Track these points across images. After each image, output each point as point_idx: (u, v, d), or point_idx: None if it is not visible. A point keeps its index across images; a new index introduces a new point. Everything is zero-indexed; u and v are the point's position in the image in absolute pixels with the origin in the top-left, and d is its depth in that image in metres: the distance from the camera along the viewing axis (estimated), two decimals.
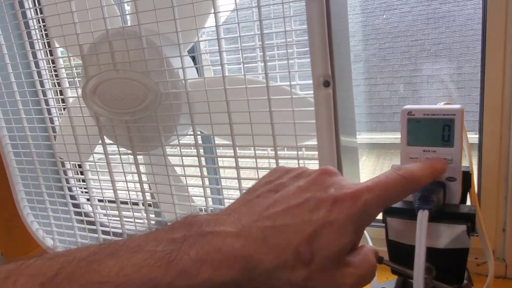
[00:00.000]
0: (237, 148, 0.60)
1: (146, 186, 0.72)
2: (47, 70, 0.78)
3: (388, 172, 0.28)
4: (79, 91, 0.68)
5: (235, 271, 0.23)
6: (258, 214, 0.25)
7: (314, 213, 0.24)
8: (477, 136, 0.61)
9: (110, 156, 0.71)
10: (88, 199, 0.84)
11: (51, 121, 0.78)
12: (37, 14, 0.75)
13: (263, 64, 0.54)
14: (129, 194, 0.73)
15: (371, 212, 0.26)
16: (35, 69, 0.74)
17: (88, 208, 0.86)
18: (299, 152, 0.58)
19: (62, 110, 0.79)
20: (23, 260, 0.23)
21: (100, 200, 0.80)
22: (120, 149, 0.71)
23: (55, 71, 0.76)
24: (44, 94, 0.77)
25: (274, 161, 0.58)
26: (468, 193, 0.44)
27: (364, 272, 0.27)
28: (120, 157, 0.70)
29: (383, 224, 0.44)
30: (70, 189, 0.80)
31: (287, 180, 0.27)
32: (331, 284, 0.24)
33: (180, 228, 0.24)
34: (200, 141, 0.70)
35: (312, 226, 0.24)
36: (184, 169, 0.67)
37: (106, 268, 0.22)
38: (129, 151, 0.69)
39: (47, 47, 0.75)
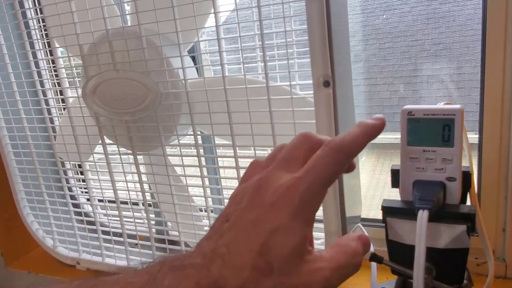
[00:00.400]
0: (237, 148, 0.60)
1: (146, 186, 0.72)
2: (47, 70, 0.78)
3: (318, 151, 0.27)
4: (79, 91, 0.68)
5: None
6: (214, 243, 0.26)
7: (257, 226, 0.25)
8: (477, 136, 0.61)
9: (110, 156, 0.71)
10: (88, 199, 0.84)
11: (51, 121, 0.78)
12: (37, 14, 0.75)
13: (263, 64, 0.54)
14: (129, 194, 0.73)
15: (312, 199, 0.26)
16: (35, 69, 0.74)
17: (88, 208, 0.86)
18: None
19: (62, 110, 0.79)
20: None
21: (100, 200, 0.80)
22: (120, 149, 0.71)
23: (55, 71, 0.76)
24: (44, 94, 0.77)
25: None
26: (468, 193, 0.44)
27: (340, 263, 0.27)
28: (120, 157, 0.70)
29: (383, 224, 0.44)
30: (70, 189, 0.80)
31: (234, 207, 0.28)
32: (303, 285, 0.25)
33: (155, 265, 0.26)
34: (200, 141, 0.70)
35: (260, 238, 0.25)
36: (184, 169, 0.67)
37: None
38: (129, 151, 0.69)
39: (47, 47, 0.75)
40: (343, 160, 0.27)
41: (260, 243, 0.25)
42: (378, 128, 0.28)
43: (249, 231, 0.25)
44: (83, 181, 0.81)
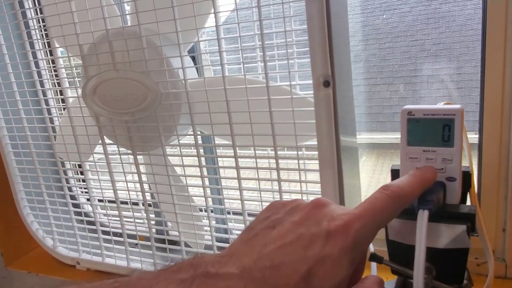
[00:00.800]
0: (237, 148, 0.60)
1: (146, 186, 0.72)
2: (47, 70, 0.78)
3: (376, 194, 0.28)
4: (79, 91, 0.68)
5: None
6: (257, 253, 0.25)
7: (308, 249, 0.25)
8: (477, 136, 0.61)
9: (110, 156, 0.71)
10: (88, 199, 0.84)
11: (51, 121, 0.78)
12: (37, 14, 0.75)
13: (263, 64, 0.54)
14: (129, 194, 0.73)
15: (364, 240, 0.26)
16: (35, 69, 0.74)
17: (88, 208, 0.86)
18: (299, 152, 0.58)
19: (62, 110, 0.79)
20: None
21: (100, 200, 0.80)
22: (120, 149, 0.71)
23: (55, 71, 0.76)
24: (44, 94, 0.77)
25: (274, 161, 0.58)
26: (468, 193, 0.44)
27: None
28: (120, 157, 0.70)
29: None
30: (70, 189, 0.80)
31: (282, 215, 0.28)
32: None
33: (187, 269, 0.25)
34: (200, 141, 0.70)
35: (307, 263, 0.24)
36: (184, 169, 0.67)
37: None
38: (129, 151, 0.69)
39: (47, 47, 0.75)
40: (400, 207, 0.28)
41: (307, 267, 0.24)
42: (432, 181, 0.30)
43: (298, 250, 0.25)
44: (83, 181, 0.81)
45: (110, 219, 0.78)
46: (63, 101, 0.77)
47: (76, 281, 0.25)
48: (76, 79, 0.71)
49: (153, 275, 0.25)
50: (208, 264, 0.25)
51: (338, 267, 0.25)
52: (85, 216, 0.80)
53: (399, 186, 0.29)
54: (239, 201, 0.63)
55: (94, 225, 0.78)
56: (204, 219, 0.71)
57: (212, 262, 0.25)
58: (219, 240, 0.69)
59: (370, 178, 0.81)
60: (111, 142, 0.71)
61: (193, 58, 0.66)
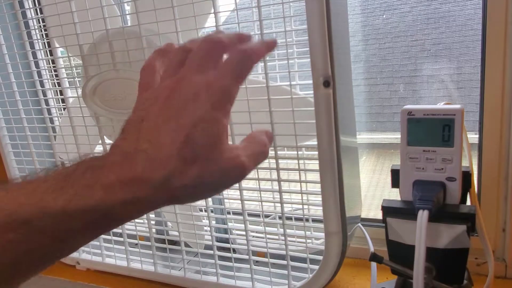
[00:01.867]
0: None
1: None
2: (47, 70, 0.78)
3: (230, 53, 0.29)
4: (79, 91, 0.68)
5: (127, 192, 0.25)
6: (135, 141, 0.27)
7: (180, 119, 0.26)
8: (477, 136, 0.61)
9: None
10: None
11: (51, 121, 0.77)
12: (37, 14, 0.75)
13: (263, 64, 0.54)
14: None
15: (230, 91, 0.28)
16: (35, 69, 0.74)
17: None
18: (299, 152, 0.58)
19: (62, 110, 0.79)
20: None
21: None
22: None
23: (55, 71, 0.76)
24: (44, 94, 0.77)
25: (274, 161, 0.58)
26: (468, 193, 0.44)
27: (253, 151, 0.29)
28: None
29: (383, 224, 0.45)
30: None
31: (147, 109, 0.29)
32: (224, 169, 0.27)
33: (71, 166, 0.27)
34: None
35: (183, 130, 0.26)
36: None
37: None
38: None
39: (47, 47, 0.75)
40: (252, 61, 0.29)
41: (184, 135, 0.26)
42: (274, 45, 0.31)
43: (171, 125, 0.26)
44: None
45: None
46: (63, 101, 0.77)
47: None
48: (76, 79, 0.71)
49: (43, 177, 0.27)
50: (93, 159, 0.27)
51: (213, 123, 0.26)
52: None
53: (247, 45, 0.30)
54: (239, 201, 0.63)
55: None
56: (204, 219, 0.71)
57: (96, 157, 0.27)
58: (219, 240, 0.69)
59: (370, 178, 0.81)
60: (111, 142, 0.71)
61: None
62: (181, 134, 0.26)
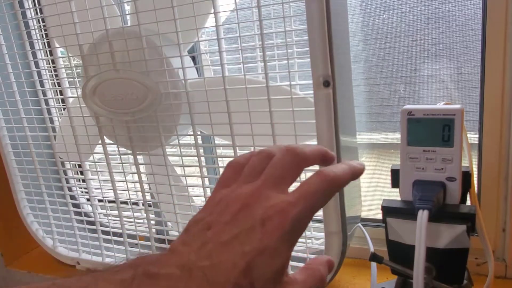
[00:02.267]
0: (237, 148, 0.60)
1: (146, 186, 0.72)
2: (47, 70, 0.78)
3: (309, 179, 0.28)
4: (79, 91, 0.68)
5: None
6: (195, 253, 0.26)
7: (245, 245, 0.25)
8: (477, 136, 0.61)
9: (110, 156, 0.71)
10: (88, 199, 0.84)
11: (51, 121, 0.78)
12: (37, 14, 0.75)
13: (263, 64, 0.54)
14: (129, 194, 0.73)
15: (301, 225, 0.27)
16: (35, 69, 0.74)
17: (88, 208, 0.86)
18: None
19: (62, 110, 0.79)
20: None
21: (100, 200, 0.80)
22: (120, 149, 0.71)
23: (55, 71, 0.76)
24: (44, 94, 0.77)
25: None
26: (468, 193, 0.44)
27: (310, 287, 0.28)
28: (120, 157, 0.70)
29: (383, 224, 0.44)
30: (70, 189, 0.80)
31: (216, 215, 0.28)
32: None
33: (128, 269, 0.25)
34: (200, 141, 0.70)
35: (246, 257, 0.25)
36: (184, 169, 0.67)
37: None
38: (129, 151, 0.69)
39: (47, 47, 0.75)
40: (334, 192, 0.28)
41: (245, 262, 0.24)
42: (361, 172, 0.30)
43: (235, 248, 0.25)
44: (83, 181, 0.81)
45: (110, 219, 0.78)
46: (63, 101, 0.77)
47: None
48: (76, 79, 0.71)
49: (91, 277, 0.25)
50: (149, 264, 0.25)
51: (277, 256, 0.25)
52: (85, 216, 0.80)
53: (333, 170, 0.29)
54: None
55: (94, 225, 0.78)
56: None
57: (153, 261, 0.25)
58: None
59: (370, 178, 0.81)
60: (111, 142, 0.71)
61: (193, 58, 0.66)
62: (243, 260, 0.25)
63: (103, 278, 0.25)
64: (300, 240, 0.64)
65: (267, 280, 0.25)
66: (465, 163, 0.44)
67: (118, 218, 0.75)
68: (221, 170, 0.79)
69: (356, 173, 0.30)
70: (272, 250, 0.25)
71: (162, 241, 0.73)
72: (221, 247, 0.25)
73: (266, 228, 0.25)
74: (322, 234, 0.58)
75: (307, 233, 0.64)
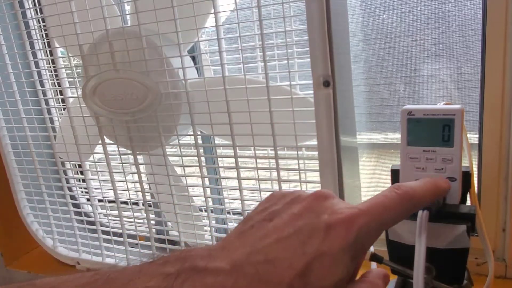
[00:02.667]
0: (237, 148, 0.60)
1: (146, 186, 0.72)
2: (47, 70, 0.78)
3: (386, 192, 0.26)
4: (79, 91, 0.68)
5: None
6: (251, 247, 0.24)
7: (306, 244, 0.23)
8: (477, 136, 0.61)
9: (110, 156, 0.71)
10: (88, 199, 0.84)
11: (51, 121, 0.77)
12: (37, 14, 0.75)
13: (263, 64, 0.54)
14: (129, 194, 0.73)
15: (367, 238, 0.25)
16: (35, 69, 0.74)
17: (88, 208, 0.86)
18: (299, 152, 0.58)
19: (62, 110, 0.79)
20: (13, 286, 0.22)
21: (100, 200, 0.80)
22: (120, 149, 0.71)
23: (55, 71, 0.76)
24: (44, 94, 0.77)
25: (274, 161, 0.58)
26: (468, 193, 0.44)
27: None
28: (120, 157, 0.70)
29: None
30: (70, 189, 0.80)
31: (281, 206, 0.26)
32: None
33: (174, 262, 0.23)
34: (200, 141, 0.70)
35: (305, 259, 0.23)
36: (184, 169, 0.67)
37: None
38: (129, 151, 0.69)
39: (47, 47, 0.75)
40: (410, 210, 0.26)
41: (304, 263, 0.22)
42: (445, 191, 0.29)
43: (295, 245, 0.23)
44: (83, 181, 0.81)
45: (110, 219, 0.78)
46: (63, 101, 0.77)
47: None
48: (76, 79, 0.71)
49: (136, 268, 0.23)
50: (197, 257, 0.23)
51: (337, 265, 0.23)
52: (85, 216, 0.80)
53: (412, 187, 0.27)
54: (239, 201, 0.63)
55: (94, 225, 0.78)
56: (204, 219, 0.71)
57: (201, 255, 0.24)
58: (219, 240, 0.69)
59: (370, 178, 0.81)
60: (111, 142, 0.71)
61: (193, 58, 0.66)
62: (301, 261, 0.22)
63: (146, 271, 0.23)
64: None
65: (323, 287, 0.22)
66: (465, 163, 0.44)
67: (118, 218, 0.75)
68: (221, 170, 0.79)
69: (439, 193, 0.28)
70: (333, 257, 0.23)
71: (162, 241, 0.73)
72: (279, 242, 0.23)
73: (330, 231, 0.23)
74: None
75: None
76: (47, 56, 0.76)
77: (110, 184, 0.73)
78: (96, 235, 0.78)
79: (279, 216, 0.25)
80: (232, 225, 0.72)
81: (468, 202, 0.45)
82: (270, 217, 0.25)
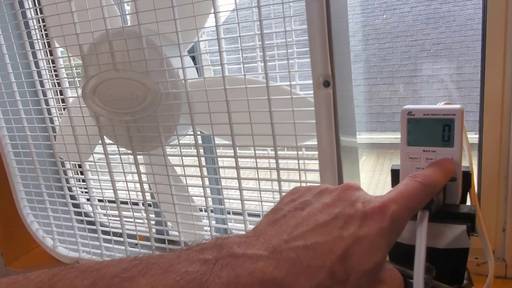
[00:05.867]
0: (237, 148, 0.60)
1: (146, 186, 0.72)
2: (47, 70, 0.78)
3: (406, 181, 0.28)
4: (79, 91, 0.68)
5: None
6: (288, 233, 0.24)
7: (344, 229, 0.24)
8: (477, 136, 0.61)
9: (110, 156, 0.71)
10: (88, 199, 0.84)
11: (51, 121, 0.77)
12: (37, 14, 0.75)
13: (263, 64, 0.54)
14: (129, 194, 0.73)
15: (400, 223, 0.26)
16: (35, 69, 0.74)
17: (88, 208, 0.86)
18: (299, 152, 0.58)
19: (62, 110, 0.79)
20: (54, 271, 0.22)
21: (100, 200, 0.80)
22: (120, 149, 0.71)
23: (55, 71, 0.76)
24: (44, 94, 0.77)
25: (274, 161, 0.58)
26: (468, 193, 0.44)
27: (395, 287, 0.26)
28: (120, 157, 0.70)
29: None
30: (70, 189, 0.80)
31: (311, 197, 0.27)
32: None
33: (211, 249, 0.24)
34: (200, 141, 0.70)
35: (344, 243, 0.23)
36: (184, 169, 0.67)
37: (138, 287, 0.21)
38: (129, 151, 0.69)
39: (47, 47, 0.75)
40: (430, 195, 0.28)
41: (343, 248, 0.23)
42: (453, 171, 0.30)
43: (333, 230, 0.23)
44: (83, 181, 0.81)
45: (110, 219, 0.78)
46: (63, 101, 0.77)
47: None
48: (76, 79, 0.71)
49: (175, 255, 0.24)
50: (234, 244, 0.23)
51: (375, 249, 0.24)
52: (85, 216, 0.80)
53: (428, 174, 0.29)
54: (239, 201, 0.63)
55: (94, 225, 0.78)
56: (204, 219, 0.71)
57: (238, 243, 0.24)
58: None
59: (370, 178, 0.81)
60: (111, 142, 0.71)
61: (193, 58, 0.66)
62: (340, 246, 0.23)
63: (185, 257, 0.23)
64: None
65: (364, 272, 0.23)
66: (465, 163, 0.44)
67: (118, 218, 0.75)
68: (221, 170, 0.79)
69: (448, 172, 0.30)
70: (371, 241, 0.24)
71: (162, 241, 0.73)
72: (317, 228, 0.24)
73: (367, 218, 0.24)
74: None
75: None
76: (47, 56, 0.76)
77: (110, 184, 0.73)
78: (96, 235, 0.78)
79: (311, 205, 0.26)
80: (232, 225, 0.72)
81: (468, 202, 0.45)
82: (301, 206, 0.26)
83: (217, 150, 0.68)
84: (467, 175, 0.43)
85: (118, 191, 0.73)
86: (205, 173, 0.69)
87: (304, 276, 0.22)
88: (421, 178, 0.28)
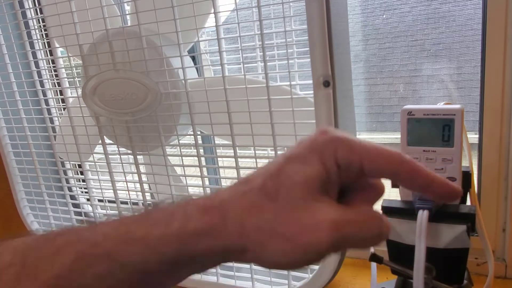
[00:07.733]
0: (237, 148, 0.60)
1: (146, 186, 0.72)
2: (47, 70, 0.78)
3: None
4: (79, 91, 0.68)
5: (202, 222, 0.24)
6: (238, 184, 0.26)
7: (279, 157, 0.26)
8: (477, 136, 0.61)
9: (110, 156, 0.71)
10: (88, 199, 0.84)
11: (51, 121, 0.77)
12: (37, 14, 0.75)
13: (263, 64, 0.54)
14: (129, 194, 0.73)
15: (332, 145, 0.25)
16: (35, 69, 0.74)
17: (88, 208, 0.86)
18: None
19: (62, 110, 0.79)
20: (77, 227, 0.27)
21: (100, 200, 0.80)
22: (120, 149, 0.71)
23: (55, 71, 0.76)
24: (44, 94, 0.77)
25: None
26: (468, 193, 0.44)
27: (359, 219, 0.24)
28: (120, 157, 0.70)
29: None
30: (70, 189, 0.80)
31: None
32: (304, 224, 0.23)
33: (177, 205, 0.26)
34: (200, 141, 0.70)
35: (276, 164, 0.25)
36: (184, 169, 0.67)
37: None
38: (129, 151, 0.69)
39: (47, 47, 0.75)
40: None
41: (276, 167, 0.25)
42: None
43: (268, 164, 0.26)
44: (83, 181, 0.81)
45: None
46: (63, 101, 0.77)
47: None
48: (76, 79, 0.71)
49: (183, 201, 0.26)
50: (195, 199, 0.26)
51: (307, 163, 0.24)
52: (85, 216, 0.80)
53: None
54: None
55: None
56: None
57: (198, 198, 0.26)
58: None
59: None
60: (111, 142, 0.71)
61: (193, 58, 0.66)
62: (274, 166, 0.25)
63: (192, 202, 0.25)
64: None
65: (294, 186, 0.23)
66: (465, 163, 0.44)
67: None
68: (221, 170, 0.79)
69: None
70: (303, 157, 0.25)
71: None
72: (257, 175, 0.25)
73: (301, 144, 0.26)
74: None
75: None
76: (47, 56, 0.76)
77: (110, 184, 0.73)
78: None
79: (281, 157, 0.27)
80: None
81: (468, 202, 0.45)
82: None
83: (217, 150, 0.68)
84: (467, 175, 0.43)
85: (118, 191, 0.73)
86: (205, 173, 0.69)
87: (240, 197, 0.24)
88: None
